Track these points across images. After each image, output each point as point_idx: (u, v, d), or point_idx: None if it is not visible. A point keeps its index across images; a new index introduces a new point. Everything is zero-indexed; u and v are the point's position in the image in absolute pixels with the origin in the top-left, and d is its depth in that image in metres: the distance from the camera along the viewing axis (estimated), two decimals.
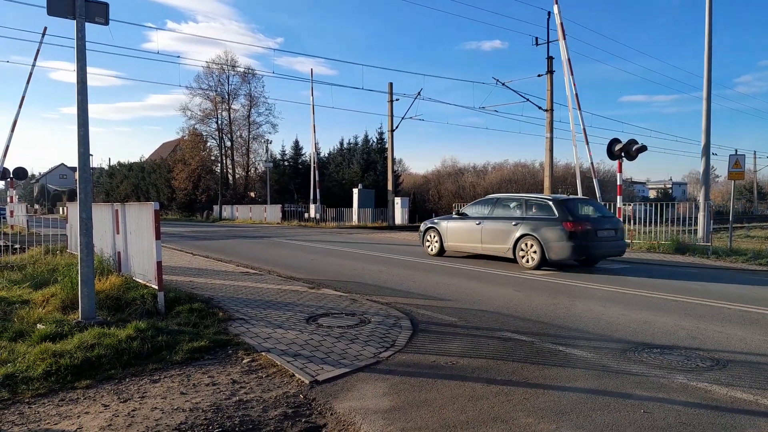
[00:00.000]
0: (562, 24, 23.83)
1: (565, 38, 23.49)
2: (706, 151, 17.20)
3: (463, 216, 14.39)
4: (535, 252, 12.25)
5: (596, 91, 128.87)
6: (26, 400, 4.35)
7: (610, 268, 12.42)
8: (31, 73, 27.39)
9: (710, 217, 16.09)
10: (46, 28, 25.97)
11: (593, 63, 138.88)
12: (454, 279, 10.64)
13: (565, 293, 9.08)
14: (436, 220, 15.50)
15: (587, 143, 22.88)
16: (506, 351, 5.63)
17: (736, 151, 15.93)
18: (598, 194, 20.65)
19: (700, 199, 17.06)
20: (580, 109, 23.07)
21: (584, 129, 23.25)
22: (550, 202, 12.58)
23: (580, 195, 21.24)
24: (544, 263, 12.15)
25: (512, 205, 13.45)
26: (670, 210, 17.63)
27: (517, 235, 12.59)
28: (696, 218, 16.69)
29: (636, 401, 4.23)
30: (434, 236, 15.20)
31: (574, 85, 22.76)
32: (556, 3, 23.60)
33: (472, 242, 13.90)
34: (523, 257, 12.52)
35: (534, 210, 12.83)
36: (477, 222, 13.77)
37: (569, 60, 23.23)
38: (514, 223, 12.80)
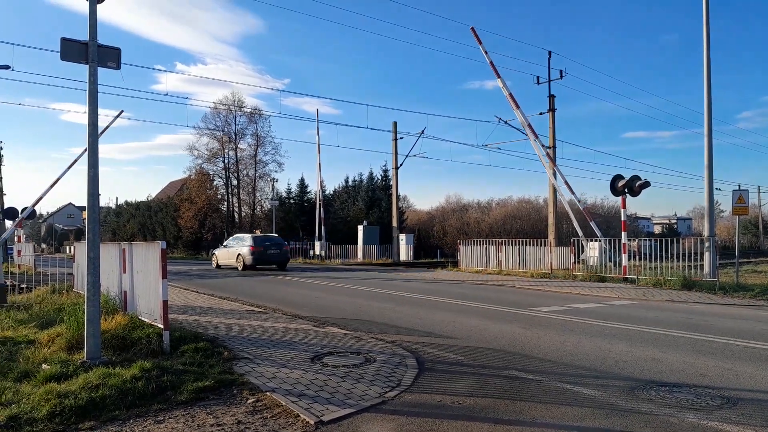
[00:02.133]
0: (511, 95, 23.90)
1: (519, 107, 23.65)
2: (710, 187, 17.25)
3: (226, 246, 27.28)
4: (241, 262, 24.94)
5: (598, 127, 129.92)
6: None
7: (616, 305, 12.34)
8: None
9: (716, 252, 16.03)
10: (122, 111, 27.28)
11: (595, 100, 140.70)
12: (459, 316, 10.58)
13: (571, 330, 9.02)
14: (215, 250, 29.02)
15: (572, 193, 23.28)
16: (513, 390, 5.58)
17: (740, 186, 16.02)
18: (598, 233, 20.50)
19: (705, 234, 17.04)
20: (554, 165, 23.25)
21: (566, 182, 23.82)
22: (248, 237, 25.82)
23: (579, 232, 21.17)
24: (245, 268, 24.68)
25: (240, 239, 26.48)
26: (676, 245, 17.56)
27: (237, 253, 25.40)
28: (702, 253, 16.62)
29: None
30: (215, 257, 27.77)
31: (543, 146, 22.81)
32: (499, 77, 23.68)
33: (225, 259, 26.52)
34: (239, 264, 25.11)
35: (244, 241, 25.54)
36: (227, 249, 26.77)
37: (530, 125, 23.40)
38: (236, 247, 25.76)
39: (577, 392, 5.46)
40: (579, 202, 22.95)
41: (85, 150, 6.68)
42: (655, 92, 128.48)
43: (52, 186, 27.60)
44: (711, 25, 17.25)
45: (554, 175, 24.29)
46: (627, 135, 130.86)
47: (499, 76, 23.24)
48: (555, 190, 28.20)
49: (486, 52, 23.36)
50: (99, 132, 6.83)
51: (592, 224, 20.57)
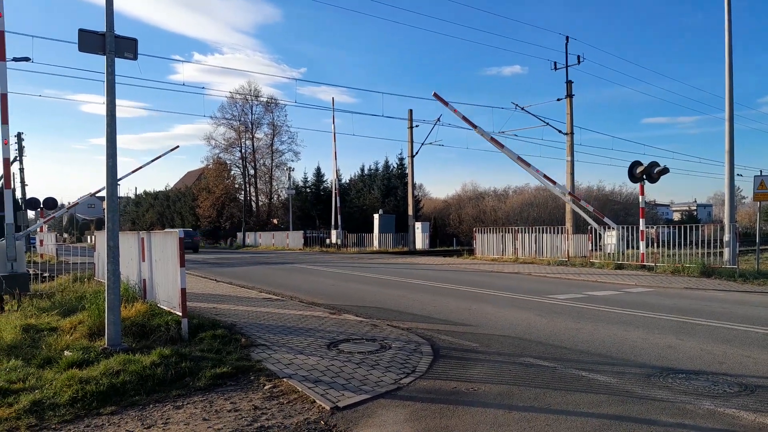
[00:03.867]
0: (493, 138, 21.90)
1: (503, 147, 21.73)
2: (730, 173, 16.98)
3: None
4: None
5: (617, 113, 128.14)
6: (53, 426, 4.44)
7: (633, 292, 12.24)
8: (137, 169, 29.07)
9: (736, 239, 15.80)
10: (177, 147, 29.51)
11: (613, 86, 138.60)
12: (474, 304, 10.58)
13: (587, 318, 8.98)
14: None
15: (580, 200, 22.53)
16: (528, 377, 5.59)
17: (761, 171, 15.71)
18: (612, 225, 19.98)
19: (726, 220, 16.79)
20: (554, 183, 22.02)
21: (571, 194, 23.10)
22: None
23: (594, 225, 20.57)
24: None
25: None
26: (695, 232, 17.32)
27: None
28: (722, 240, 16.39)
29: (662, 428, 4.16)
30: None
31: (546, 176, 21.44)
32: (475, 127, 21.97)
33: None
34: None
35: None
36: None
37: (520, 158, 21.61)
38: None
39: (592, 379, 5.45)
40: (588, 205, 22.14)
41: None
42: (676, 77, 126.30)
43: (93, 194, 28.37)
44: (732, 5, 16.89)
45: (572, 202, 23.61)
46: (646, 121, 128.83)
47: (475, 127, 22.21)
48: (573, 178, 27.97)
49: (455, 111, 22.15)
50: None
51: (606, 220, 20.10)
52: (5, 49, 11.83)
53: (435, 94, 22.19)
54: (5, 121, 11.92)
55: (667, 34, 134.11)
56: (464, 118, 22.08)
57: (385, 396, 5.00)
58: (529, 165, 21.44)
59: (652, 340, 7.19)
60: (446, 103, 22.36)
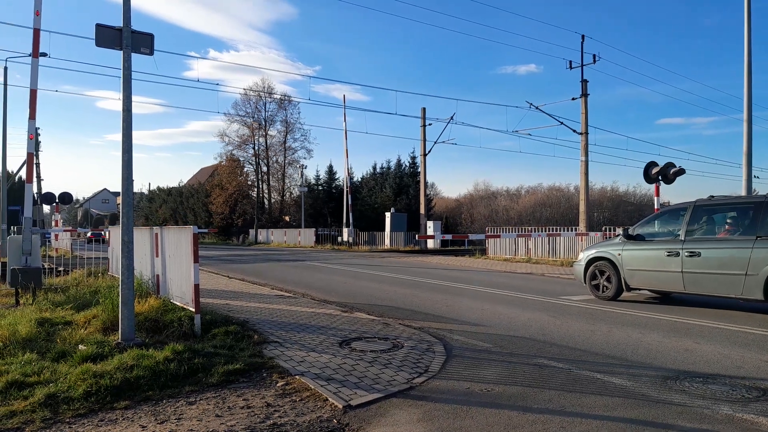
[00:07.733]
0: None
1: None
2: (748, 175, 16.74)
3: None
4: None
5: (632, 113, 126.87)
6: (67, 419, 4.46)
7: (648, 294, 12.09)
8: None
9: None
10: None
11: (629, 85, 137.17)
12: (487, 304, 10.52)
13: (602, 320, 8.89)
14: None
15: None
16: (542, 378, 5.53)
17: None
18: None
19: None
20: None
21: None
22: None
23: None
24: None
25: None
26: None
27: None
28: None
29: None
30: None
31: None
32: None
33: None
34: None
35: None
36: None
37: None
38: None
39: (607, 382, 5.39)
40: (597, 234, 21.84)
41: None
42: (693, 77, 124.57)
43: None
44: (752, 5, 16.65)
45: None
46: (662, 121, 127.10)
47: None
48: (587, 178, 27.72)
49: None
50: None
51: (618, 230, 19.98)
52: (39, 46, 11.93)
53: None
54: (32, 117, 12.03)
55: (684, 34, 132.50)
56: None
57: (398, 395, 4.98)
58: None
59: (668, 343, 7.10)
60: None
